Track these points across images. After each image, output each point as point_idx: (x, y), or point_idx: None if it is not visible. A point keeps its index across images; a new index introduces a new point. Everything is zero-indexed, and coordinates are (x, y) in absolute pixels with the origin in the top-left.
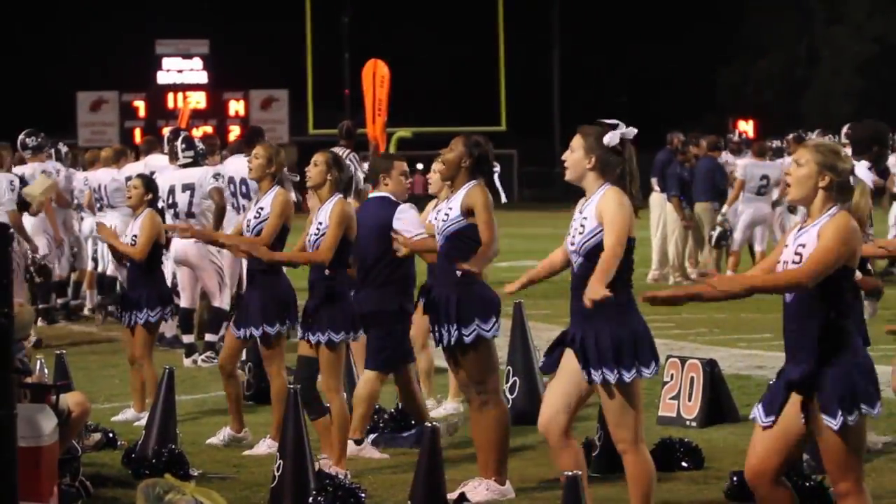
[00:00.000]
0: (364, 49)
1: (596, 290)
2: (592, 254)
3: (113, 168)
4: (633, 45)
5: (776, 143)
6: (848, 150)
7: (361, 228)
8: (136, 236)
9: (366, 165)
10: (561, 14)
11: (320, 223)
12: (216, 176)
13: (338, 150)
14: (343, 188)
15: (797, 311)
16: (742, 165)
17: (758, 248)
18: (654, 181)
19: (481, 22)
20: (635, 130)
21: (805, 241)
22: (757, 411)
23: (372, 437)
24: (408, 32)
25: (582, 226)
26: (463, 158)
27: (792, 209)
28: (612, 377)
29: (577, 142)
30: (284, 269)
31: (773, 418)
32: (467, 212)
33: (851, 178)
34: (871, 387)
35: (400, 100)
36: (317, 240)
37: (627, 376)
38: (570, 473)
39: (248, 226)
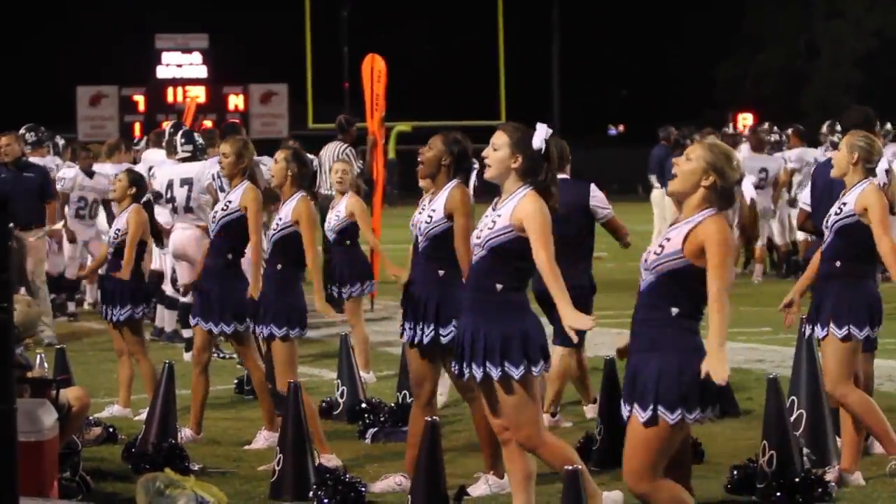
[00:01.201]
0: (363, 43)
1: (573, 318)
2: (496, 250)
3: (106, 163)
4: (633, 39)
5: (775, 137)
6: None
7: (562, 207)
8: (118, 230)
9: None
10: (560, 8)
11: (280, 219)
12: (214, 176)
13: (335, 144)
14: (307, 184)
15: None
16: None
17: (757, 242)
18: (653, 178)
19: (481, 15)
20: (550, 131)
21: (671, 236)
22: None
23: (372, 431)
24: (407, 26)
25: (493, 222)
26: (443, 156)
27: (792, 203)
28: (495, 373)
29: (500, 139)
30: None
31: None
32: (450, 215)
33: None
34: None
35: (400, 94)
36: (274, 235)
37: (515, 373)
38: (570, 467)
39: (213, 218)
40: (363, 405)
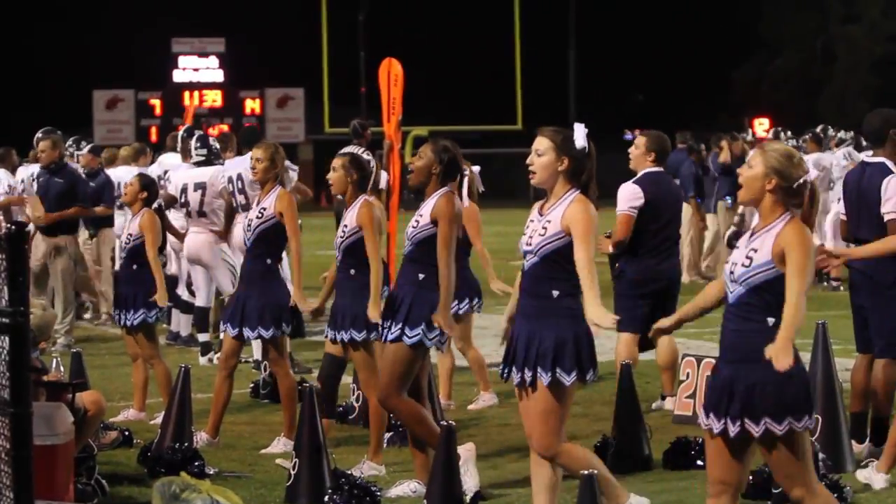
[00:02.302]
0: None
1: (600, 315)
2: (549, 257)
3: (132, 166)
4: (649, 44)
5: (791, 143)
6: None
7: (660, 200)
8: (131, 235)
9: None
10: (577, 13)
11: (346, 226)
12: (229, 179)
13: (351, 148)
14: (367, 187)
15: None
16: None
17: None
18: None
19: (498, 20)
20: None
21: (757, 247)
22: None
23: (388, 435)
24: (424, 31)
25: (544, 228)
26: (433, 165)
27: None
28: (545, 379)
29: (544, 144)
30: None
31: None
32: (435, 221)
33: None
34: None
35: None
36: (343, 242)
37: (567, 379)
38: (586, 472)
39: (249, 226)
40: None
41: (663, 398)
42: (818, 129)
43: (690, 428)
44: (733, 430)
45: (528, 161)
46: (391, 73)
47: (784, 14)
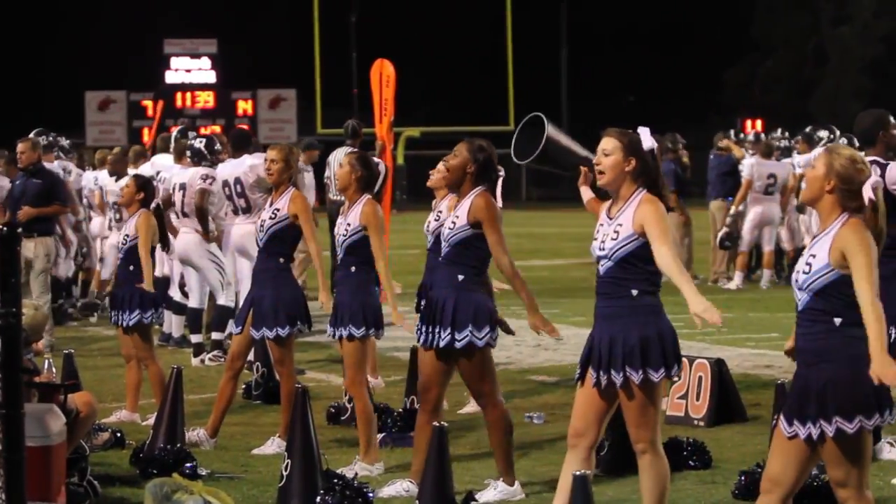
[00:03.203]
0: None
1: (703, 306)
2: (625, 259)
3: (130, 167)
4: (641, 44)
5: (784, 143)
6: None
7: None
8: (127, 236)
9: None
10: (569, 13)
11: (349, 224)
12: (204, 177)
13: (343, 149)
14: (372, 188)
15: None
16: (749, 164)
17: (766, 248)
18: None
19: (490, 21)
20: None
21: (816, 252)
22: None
23: (380, 436)
24: (416, 32)
25: (616, 232)
26: (468, 164)
27: (801, 209)
28: (636, 377)
29: (611, 144)
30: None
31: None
32: (475, 223)
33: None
34: None
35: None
36: (345, 240)
37: (655, 376)
38: (578, 473)
39: (262, 227)
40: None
41: None
42: (807, 130)
43: (682, 428)
44: (805, 431)
45: (595, 161)
46: (383, 74)
47: (776, 15)
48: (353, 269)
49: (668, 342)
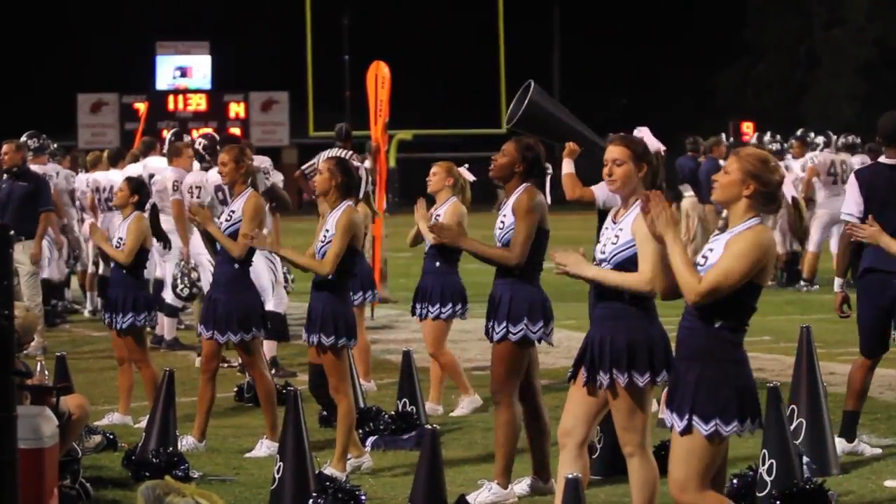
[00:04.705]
0: (364, 51)
1: (584, 269)
2: (622, 265)
3: (118, 169)
4: (634, 47)
5: (776, 146)
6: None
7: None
8: (121, 238)
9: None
10: (561, 16)
11: (327, 230)
12: (175, 185)
13: (335, 151)
14: (352, 194)
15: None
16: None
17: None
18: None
19: (481, 23)
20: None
21: (714, 247)
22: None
23: (372, 439)
24: (407, 34)
25: (616, 237)
26: (515, 163)
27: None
28: (622, 380)
29: (622, 153)
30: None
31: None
32: None
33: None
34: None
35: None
36: (322, 247)
37: (641, 381)
38: (570, 475)
39: (219, 228)
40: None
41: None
42: (798, 133)
43: None
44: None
45: (605, 171)
46: (378, 76)
47: (768, 18)
48: (330, 277)
49: (658, 348)
